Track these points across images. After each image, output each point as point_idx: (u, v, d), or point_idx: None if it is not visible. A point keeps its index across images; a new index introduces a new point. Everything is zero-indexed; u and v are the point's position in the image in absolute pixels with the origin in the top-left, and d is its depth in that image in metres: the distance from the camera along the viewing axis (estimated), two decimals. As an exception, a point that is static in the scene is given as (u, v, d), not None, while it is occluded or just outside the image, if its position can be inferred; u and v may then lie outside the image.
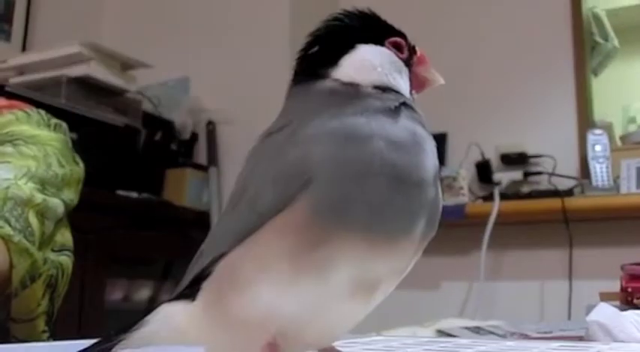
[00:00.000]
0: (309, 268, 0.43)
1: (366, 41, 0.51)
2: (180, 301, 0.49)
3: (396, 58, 0.52)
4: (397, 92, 0.50)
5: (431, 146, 0.47)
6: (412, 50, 0.54)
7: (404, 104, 0.48)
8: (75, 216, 1.06)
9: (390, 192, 0.43)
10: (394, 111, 0.46)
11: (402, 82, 0.52)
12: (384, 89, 0.49)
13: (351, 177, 0.42)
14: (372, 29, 0.52)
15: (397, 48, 0.53)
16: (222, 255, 0.47)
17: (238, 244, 0.45)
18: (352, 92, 0.48)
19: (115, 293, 2.16)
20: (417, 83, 0.54)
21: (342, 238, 0.42)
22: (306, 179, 0.42)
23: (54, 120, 1.08)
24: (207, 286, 0.48)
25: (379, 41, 0.52)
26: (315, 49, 0.52)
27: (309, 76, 0.51)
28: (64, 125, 1.09)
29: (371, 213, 0.42)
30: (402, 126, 0.46)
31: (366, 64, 0.50)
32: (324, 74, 0.50)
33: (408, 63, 0.53)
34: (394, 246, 0.44)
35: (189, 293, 0.49)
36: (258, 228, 0.44)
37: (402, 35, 0.53)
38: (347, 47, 0.51)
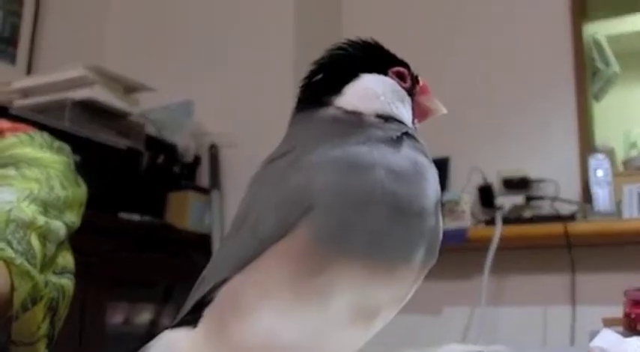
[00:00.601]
0: (310, 295, 0.43)
1: (370, 70, 0.52)
2: (182, 327, 0.49)
3: (399, 88, 0.53)
4: (399, 121, 0.51)
5: (433, 175, 0.47)
6: (415, 80, 0.54)
7: (406, 134, 0.48)
8: (76, 239, 1.06)
9: (390, 220, 0.43)
10: (396, 141, 0.47)
11: (404, 111, 0.52)
12: (387, 118, 0.50)
13: (352, 205, 0.42)
14: (376, 59, 0.53)
15: (400, 77, 0.53)
16: (223, 281, 0.47)
17: (240, 270, 0.46)
18: (355, 121, 0.49)
19: (116, 317, 2.15)
20: (420, 112, 0.54)
21: (343, 265, 0.42)
22: (308, 206, 0.43)
23: (57, 143, 1.08)
24: (208, 312, 0.48)
25: (382, 70, 0.53)
26: (319, 77, 0.52)
27: (312, 103, 0.51)
28: (67, 148, 1.10)
29: (371, 241, 0.42)
30: (404, 156, 0.46)
31: (369, 92, 0.50)
32: (328, 102, 0.50)
33: (410, 92, 0.54)
34: (394, 273, 0.44)
35: (191, 319, 0.49)
36: (259, 254, 0.44)
37: (405, 65, 0.54)
38: (350, 76, 0.51)
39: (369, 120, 0.49)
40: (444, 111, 0.55)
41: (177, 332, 0.49)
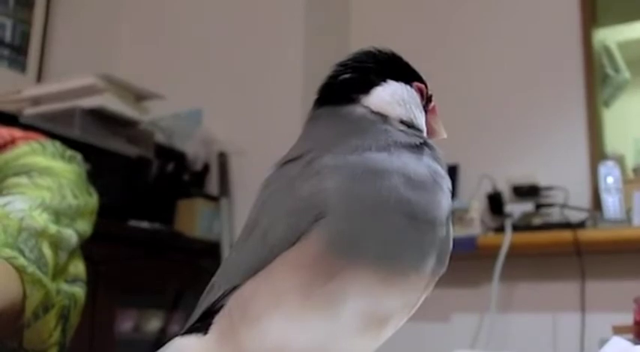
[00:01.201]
0: (321, 302, 0.43)
1: (397, 79, 0.53)
2: (193, 334, 0.49)
3: (419, 101, 0.54)
4: (420, 130, 0.52)
5: (448, 186, 0.48)
6: (429, 99, 0.56)
7: (426, 143, 0.49)
8: (86, 246, 1.06)
9: (403, 228, 0.43)
10: (418, 148, 0.47)
11: (422, 123, 0.53)
12: (409, 126, 0.50)
13: (365, 212, 0.43)
14: (402, 70, 0.54)
15: (419, 93, 0.54)
16: (234, 288, 0.47)
17: (250, 277, 0.46)
18: (379, 121, 0.49)
19: (126, 323, 2.16)
20: (427, 130, 0.55)
21: (354, 272, 0.42)
22: (319, 213, 0.43)
23: (69, 152, 1.09)
24: (219, 319, 0.48)
25: (407, 82, 0.54)
26: (347, 76, 0.52)
27: (337, 100, 0.51)
28: (79, 157, 1.10)
29: (383, 248, 0.43)
30: (425, 164, 0.46)
31: (396, 98, 0.51)
32: (356, 99, 0.51)
33: (425, 109, 0.55)
34: (405, 281, 0.44)
35: (201, 326, 0.49)
36: (270, 261, 0.44)
37: (425, 83, 0.55)
38: (379, 80, 0.52)
39: (394, 124, 0.50)
40: (445, 135, 0.56)
41: (188, 339, 0.50)
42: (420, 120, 0.53)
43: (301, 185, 0.45)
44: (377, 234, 0.43)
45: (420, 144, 0.48)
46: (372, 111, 0.50)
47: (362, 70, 0.53)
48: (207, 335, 0.48)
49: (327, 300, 0.43)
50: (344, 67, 0.53)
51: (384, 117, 0.50)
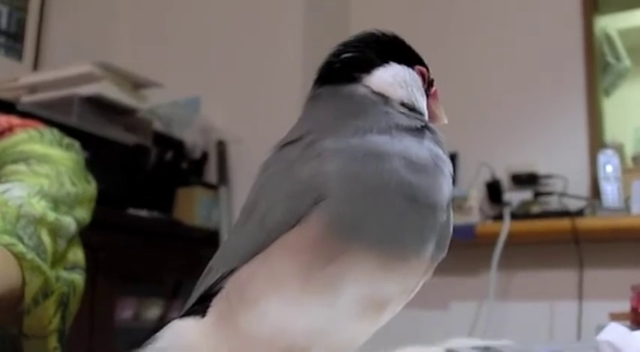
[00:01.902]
0: (319, 285, 0.43)
1: (399, 61, 0.52)
2: (191, 317, 0.49)
3: (421, 85, 0.53)
4: (421, 114, 0.51)
5: (449, 170, 0.47)
6: (430, 83, 0.55)
7: (427, 126, 0.49)
8: (84, 234, 1.06)
9: (403, 212, 0.43)
10: (419, 132, 0.47)
11: (424, 107, 0.53)
12: (411, 109, 0.50)
13: (366, 195, 0.42)
14: (405, 53, 0.53)
15: (421, 77, 0.54)
16: (232, 271, 0.47)
17: (248, 260, 0.46)
18: (381, 102, 0.49)
19: (125, 312, 2.16)
20: (429, 114, 0.55)
21: (353, 256, 0.42)
22: (319, 195, 0.43)
23: (67, 140, 1.08)
24: (216, 302, 0.48)
25: (409, 65, 0.53)
26: (349, 55, 0.52)
27: (338, 80, 0.51)
28: (77, 144, 1.10)
29: (383, 232, 0.42)
30: (426, 148, 0.46)
31: (398, 79, 0.51)
32: (358, 78, 0.50)
33: (426, 93, 0.54)
34: (404, 265, 0.44)
35: (200, 309, 0.49)
36: (269, 244, 0.44)
37: (426, 67, 0.55)
38: (381, 61, 0.51)
39: (395, 106, 0.49)
40: (445, 121, 0.55)
41: (185, 322, 0.50)
42: (422, 103, 0.52)
43: (301, 168, 0.45)
44: (378, 218, 0.42)
45: (422, 127, 0.48)
46: (374, 92, 0.50)
47: (364, 50, 0.52)
48: (205, 318, 0.48)
49: (325, 284, 0.43)
50: (345, 46, 0.53)
51: (385, 99, 0.50)
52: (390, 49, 0.53)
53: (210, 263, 0.50)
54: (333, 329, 0.45)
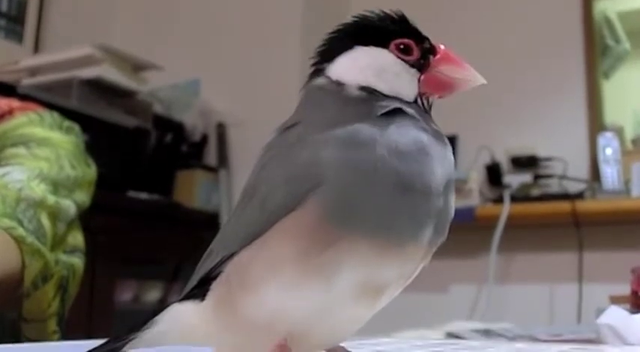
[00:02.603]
0: (316, 271, 0.43)
1: (368, 43, 0.50)
2: (190, 301, 0.49)
3: (397, 61, 0.50)
4: (388, 96, 0.48)
5: (439, 152, 0.45)
6: (429, 51, 0.51)
7: (400, 110, 0.46)
8: (84, 217, 1.06)
9: (395, 198, 0.43)
10: (382, 118, 0.45)
11: (400, 86, 0.49)
12: (372, 91, 0.48)
13: (360, 181, 0.42)
14: (379, 31, 0.51)
15: (404, 50, 0.50)
16: (232, 255, 0.47)
17: (248, 244, 0.45)
18: (335, 90, 0.48)
19: (125, 294, 2.17)
20: (437, 85, 0.50)
21: (350, 241, 0.42)
22: (317, 181, 0.42)
23: (66, 123, 1.08)
24: (216, 286, 0.48)
25: (384, 43, 0.50)
26: (323, 46, 0.52)
27: (314, 72, 0.51)
28: (77, 127, 1.10)
29: (378, 217, 0.42)
30: (407, 133, 0.44)
31: (356, 63, 0.49)
32: (322, 71, 0.50)
33: (420, 65, 0.51)
34: (401, 251, 0.44)
35: (199, 293, 0.49)
36: (268, 228, 0.44)
37: (419, 36, 0.51)
38: (346, 47, 0.50)
39: (350, 92, 0.48)
40: (481, 80, 0.50)
41: (185, 306, 0.49)
42: (394, 83, 0.49)
43: (299, 153, 0.45)
44: (371, 204, 0.42)
45: (383, 114, 0.45)
46: (332, 81, 0.49)
47: (339, 38, 0.51)
48: (205, 302, 0.48)
49: (322, 269, 0.43)
50: (328, 35, 0.52)
51: (340, 86, 0.48)
52: (362, 31, 0.51)
53: (211, 246, 0.50)
54: (331, 313, 0.45)
